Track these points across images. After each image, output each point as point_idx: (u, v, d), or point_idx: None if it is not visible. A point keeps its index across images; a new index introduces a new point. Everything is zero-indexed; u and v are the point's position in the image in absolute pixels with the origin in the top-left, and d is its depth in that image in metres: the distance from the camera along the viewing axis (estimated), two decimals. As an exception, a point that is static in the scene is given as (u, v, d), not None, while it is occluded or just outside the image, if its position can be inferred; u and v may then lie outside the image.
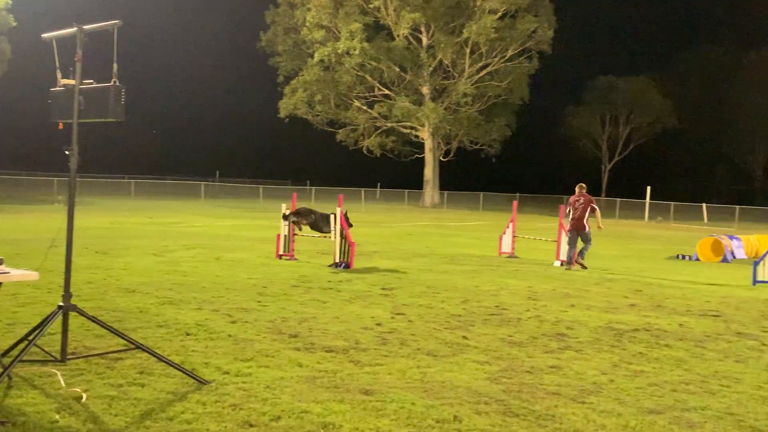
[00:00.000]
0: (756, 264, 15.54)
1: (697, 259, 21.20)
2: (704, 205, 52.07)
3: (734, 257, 21.11)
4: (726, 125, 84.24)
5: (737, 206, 48.62)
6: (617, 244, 26.64)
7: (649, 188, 51.71)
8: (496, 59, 57.80)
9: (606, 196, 70.33)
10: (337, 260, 14.91)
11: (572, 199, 17.46)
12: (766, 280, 15.20)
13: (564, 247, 17.64)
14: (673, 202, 50.90)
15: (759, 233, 25.42)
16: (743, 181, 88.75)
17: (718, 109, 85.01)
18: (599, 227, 17.13)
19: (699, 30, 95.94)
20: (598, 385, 6.54)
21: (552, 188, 70.00)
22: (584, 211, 17.08)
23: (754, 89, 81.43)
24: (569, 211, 17.38)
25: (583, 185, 17.65)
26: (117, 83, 5.98)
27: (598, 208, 17.22)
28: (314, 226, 16.16)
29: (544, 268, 16.70)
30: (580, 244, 17.20)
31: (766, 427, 5.60)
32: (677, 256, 21.79)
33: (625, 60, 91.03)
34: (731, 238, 22.14)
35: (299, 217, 16.02)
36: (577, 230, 17.08)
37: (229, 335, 7.92)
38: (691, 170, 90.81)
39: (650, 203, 51.69)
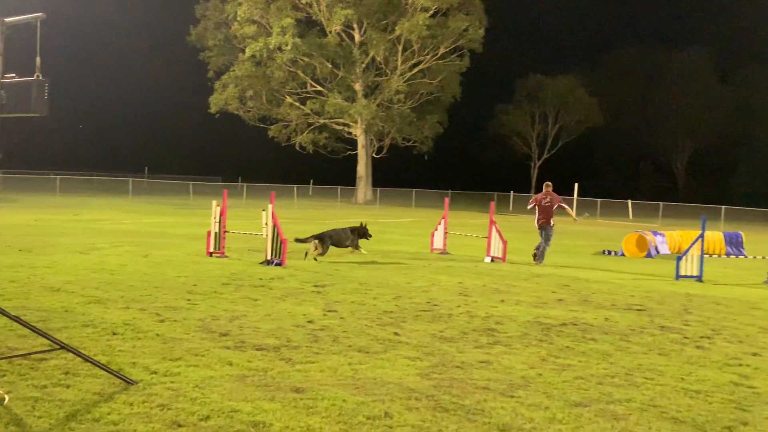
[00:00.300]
0: (679, 259, 16.00)
1: (623, 255, 21.73)
2: (630, 201, 53.44)
3: (658, 252, 21.70)
4: (650, 124, 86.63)
5: (661, 203, 50.01)
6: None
7: (576, 185, 52.77)
8: (428, 57, 58.23)
9: (535, 193, 71.55)
10: (269, 257, 14.81)
11: (539, 196, 18.36)
12: (688, 274, 15.67)
13: (498, 245, 17.90)
14: (599, 199, 52.09)
15: (682, 229, 26.19)
16: (667, 179, 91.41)
17: (643, 108, 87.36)
18: (575, 219, 19.46)
19: (625, 30, 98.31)
20: (526, 379, 6.65)
21: (483, 185, 70.92)
22: (551, 209, 18.05)
23: (677, 89, 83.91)
24: (534, 208, 18.38)
25: (550, 183, 18.52)
26: (40, 77, 5.81)
27: (566, 206, 18.52)
28: (337, 245, 16.57)
29: (475, 264, 16.89)
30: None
31: (688, 418, 5.77)
32: (603, 252, 22.30)
33: (554, 59, 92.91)
34: (655, 234, 22.76)
35: (322, 245, 16.11)
36: (544, 227, 18.02)
37: (157, 334, 7.79)
38: (618, 168, 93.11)
39: (578, 200, 52.76)
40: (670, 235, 22.79)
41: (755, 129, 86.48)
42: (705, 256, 16.69)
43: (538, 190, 75.90)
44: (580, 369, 7.15)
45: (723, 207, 45.17)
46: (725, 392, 6.56)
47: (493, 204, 19.52)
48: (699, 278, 15.57)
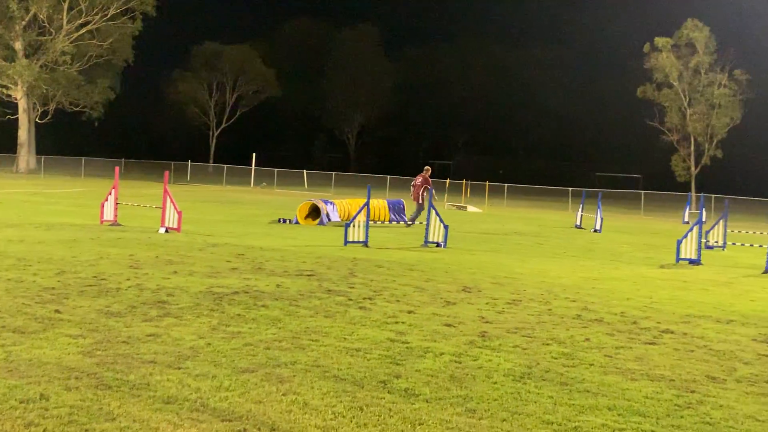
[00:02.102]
0: (347, 226, 16.87)
1: (297, 223, 22.42)
2: (305, 171, 55.24)
3: (330, 220, 22.70)
4: (324, 96, 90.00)
5: (334, 173, 52.33)
6: (222, 209, 27.13)
7: (254, 155, 53.38)
8: (97, 17, 55.00)
9: (214, 163, 71.17)
10: None
11: (416, 178, 23.48)
12: (355, 240, 16.58)
13: (173, 215, 17.55)
14: (276, 169, 53.17)
15: (352, 197, 27.64)
16: (340, 149, 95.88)
17: (316, 80, 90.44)
18: (435, 199, 21.32)
19: (299, 3, 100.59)
20: (195, 350, 6.61)
21: (160, 154, 68.96)
22: (419, 189, 23.09)
23: (348, 64, 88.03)
24: (411, 185, 23.53)
25: (428, 168, 23.82)
26: None
27: (432, 188, 21.96)
28: None
29: (149, 235, 16.39)
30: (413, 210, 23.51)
31: (348, 375, 6.11)
32: (279, 220, 22.83)
33: (231, 27, 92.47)
34: (326, 202, 23.76)
35: None
36: (416, 202, 23.06)
37: None
38: (294, 138, 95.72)
39: (256, 169, 53.43)
40: (341, 203, 23.93)
41: (415, 104, 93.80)
42: (371, 222, 17.78)
43: (217, 159, 75.22)
44: (249, 336, 7.26)
45: (388, 176, 48.40)
46: (382, 348, 7.06)
47: (167, 173, 19.06)
48: (365, 243, 16.55)
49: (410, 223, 23.41)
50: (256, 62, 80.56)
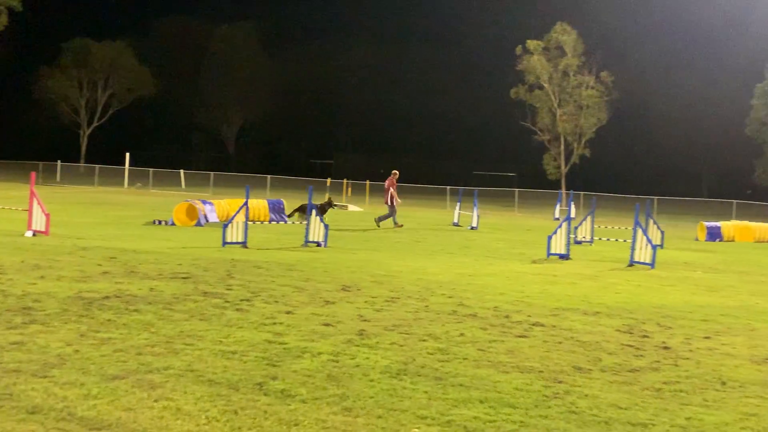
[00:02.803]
0: (225, 226, 16.61)
1: (173, 224, 21.90)
2: (182, 171, 54.02)
3: (207, 221, 22.29)
4: (202, 95, 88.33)
5: (212, 172, 51.40)
6: (94, 211, 26.18)
7: (128, 154, 51.79)
8: (-43, 10, 52.06)
9: (85, 163, 68.60)
10: None
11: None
12: (234, 241, 16.35)
13: (40, 218, 16.79)
14: (152, 169, 51.76)
15: (231, 198, 27.23)
16: (219, 149, 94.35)
17: (194, 78, 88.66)
18: (398, 201, 24.78)
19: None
20: (62, 358, 6.36)
21: (28, 154, 65.84)
22: (386, 191, 24.73)
23: (227, 62, 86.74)
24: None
25: (395, 172, 25.36)
26: None
27: (393, 190, 24.36)
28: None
29: (14, 239, 15.63)
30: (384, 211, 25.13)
31: (223, 378, 6.03)
32: (154, 222, 22.23)
33: (102, 23, 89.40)
34: (204, 202, 23.33)
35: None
36: (387, 205, 24.69)
37: None
38: (170, 137, 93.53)
39: (130, 170, 51.83)
40: (219, 204, 23.55)
41: (296, 103, 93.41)
42: (250, 222, 17.58)
43: (89, 159, 72.48)
44: (120, 341, 7.05)
45: (269, 176, 47.97)
46: (259, 350, 7.00)
47: (33, 174, 18.21)
48: (244, 244, 16.35)
49: (382, 223, 24.54)
50: (130, 59, 78.13)
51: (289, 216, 24.43)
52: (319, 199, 22.14)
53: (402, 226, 24.46)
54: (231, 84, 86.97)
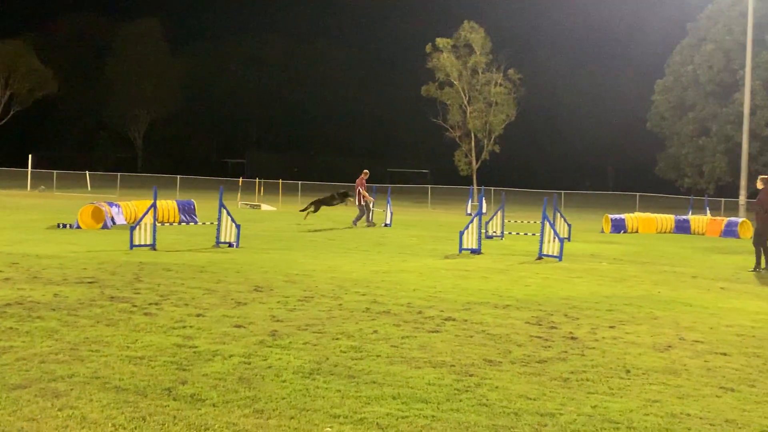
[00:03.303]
0: (132, 229, 16.21)
1: (79, 227, 21.25)
2: (88, 173, 52.52)
3: (114, 223, 21.73)
4: (106, 94, 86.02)
5: (119, 173, 50.14)
6: (-4, 215, 25.17)
7: (30, 156, 50.03)
8: None
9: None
10: None
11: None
12: (142, 243, 15.98)
13: None
14: (56, 171, 50.16)
15: (140, 199, 26.61)
16: (126, 149, 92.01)
17: (98, 77, 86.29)
18: (370, 200, 25.66)
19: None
20: (-42, 370, 6.10)
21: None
22: (355, 191, 25.32)
23: (130, 59, 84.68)
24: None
25: (365, 171, 25.89)
26: None
27: (360, 189, 24.94)
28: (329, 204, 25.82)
29: None
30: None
31: (130, 385, 5.89)
32: (58, 225, 21.53)
33: (0, 21, 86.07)
34: (111, 204, 22.73)
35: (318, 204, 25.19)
36: (357, 205, 25.38)
37: None
38: (75, 138, 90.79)
39: (33, 172, 50.07)
40: (126, 205, 22.99)
41: (205, 101, 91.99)
42: (159, 224, 17.21)
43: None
44: (22, 350, 6.81)
45: (178, 176, 47.09)
46: (168, 355, 6.86)
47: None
48: (153, 246, 16.00)
49: (365, 224, 25.51)
50: (30, 58, 75.35)
51: (303, 210, 26.13)
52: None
53: (375, 225, 25.64)
54: (136, 82, 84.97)
